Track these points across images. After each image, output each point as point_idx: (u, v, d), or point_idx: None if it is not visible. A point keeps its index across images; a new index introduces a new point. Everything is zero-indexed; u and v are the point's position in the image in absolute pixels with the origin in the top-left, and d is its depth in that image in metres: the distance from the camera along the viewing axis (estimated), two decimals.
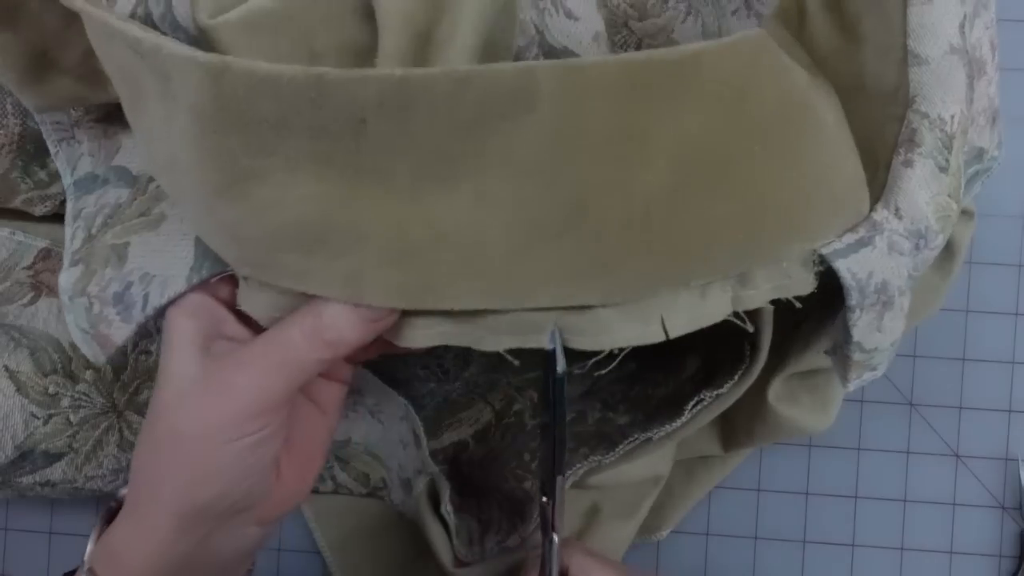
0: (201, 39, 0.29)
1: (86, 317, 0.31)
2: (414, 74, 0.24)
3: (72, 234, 0.33)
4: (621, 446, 0.36)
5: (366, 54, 0.29)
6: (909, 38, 0.28)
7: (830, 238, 0.28)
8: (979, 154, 0.33)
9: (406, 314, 0.27)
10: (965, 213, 0.38)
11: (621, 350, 0.27)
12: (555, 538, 0.33)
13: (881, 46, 0.29)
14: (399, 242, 0.26)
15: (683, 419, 0.34)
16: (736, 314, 0.28)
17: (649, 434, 0.35)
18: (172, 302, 0.30)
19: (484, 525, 0.40)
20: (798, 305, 0.29)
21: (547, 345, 0.27)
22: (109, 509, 0.32)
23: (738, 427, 0.41)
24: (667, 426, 0.35)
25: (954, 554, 0.45)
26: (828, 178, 0.28)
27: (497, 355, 0.42)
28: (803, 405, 0.39)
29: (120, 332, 0.31)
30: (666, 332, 0.27)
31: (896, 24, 0.28)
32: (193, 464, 0.29)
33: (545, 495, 0.32)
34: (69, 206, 0.35)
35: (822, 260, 0.28)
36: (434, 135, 0.25)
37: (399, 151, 0.25)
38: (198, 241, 0.30)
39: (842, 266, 0.28)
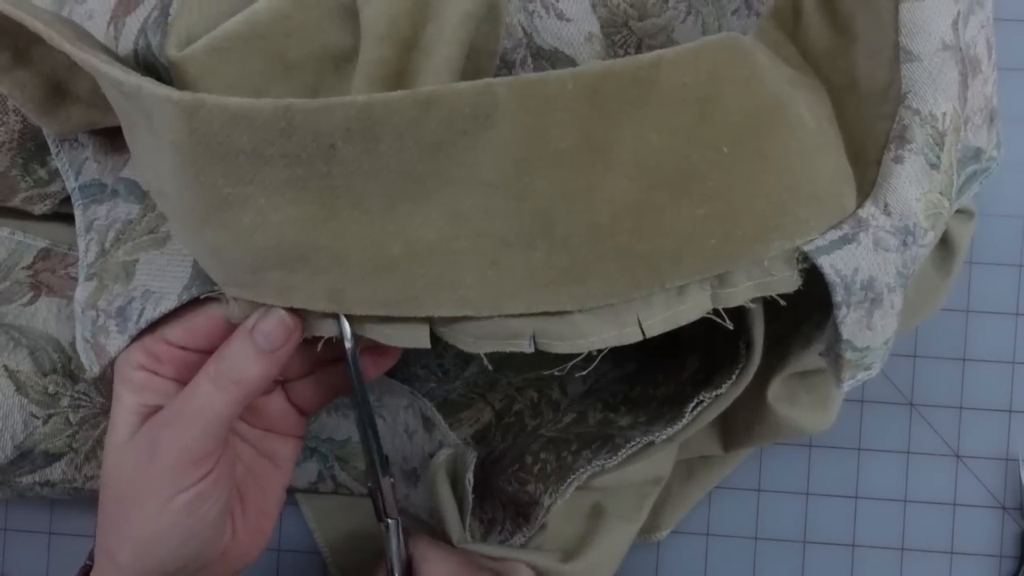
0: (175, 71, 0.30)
1: (91, 328, 0.32)
2: (377, 99, 0.25)
3: (85, 247, 0.34)
4: (623, 450, 0.36)
5: (345, 60, 0.30)
6: (900, 35, 0.28)
7: (812, 236, 0.28)
8: (976, 154, 0.33)
9: (390, 320, 0.28)
10: (965, 213, 0.38)
11: (600, 351, 0.28)
12: (389, 522, 0.33)
13: (873, 44, 0.29)
14: (377, 258, 0.27)
15: (684, 421, 0.34)
16: (718, 313, 0.28)
17: (651, 437, 0.35)
18: (123, 367, 0.31)
19: (487, 525, 0.40)
20: (782, 303, 0.29)
21: (527, 349, 0.27)
22: (84, 566, 0.34)
23: (738, 427, 0.41)
24: (668, 429, 0.35)
25: (954, 554, 0.45)
26: (806, 178, 0.28)
27: (498, 355, 0.42)
28: (802, 405, 0.39)
29: (114, 343, 0.31)
30: (643, 332, 0.28)
31: (887, 21, 0.28)
32: (141, 528, 0.30)
33: (371, 483, 0.33)
34: (78, 214, 0.36)
35: (805, 257, 0.28)
36: (402, 156, 0.26)
37: (369, 173, 0.26)
38: (195, 262, 0.31)
39: (825, 263, 0.28)
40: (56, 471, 0.40)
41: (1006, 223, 0.45)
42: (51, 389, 0.39)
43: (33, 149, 0.37)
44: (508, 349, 0.28)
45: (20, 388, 0.38)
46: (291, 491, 0.45)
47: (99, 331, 0.32)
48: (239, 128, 0.25)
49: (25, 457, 0.39)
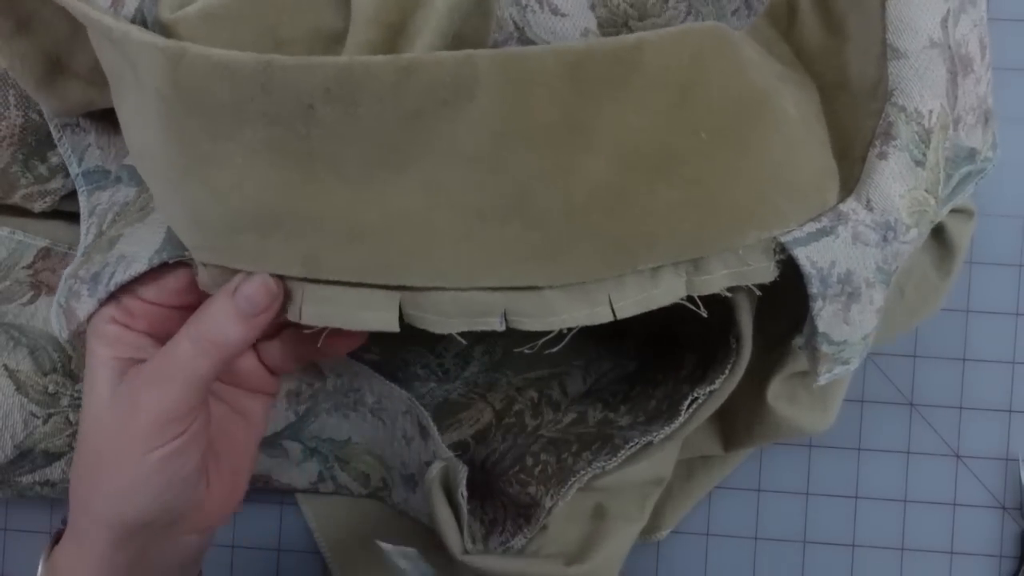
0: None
1: (66, 294, 0.32)
2: (358, 62, 0.25)
3: (87, 230, 0.35)
4: (623, 451, 0.36)
5: (336, 42, 0.30)
6: (887, 32, 0.28)
7: (790, 227, 0.28)
8: (970, 154, 0.33)
9: (358, 292, 0.28)
10: (965, 212, 0.38)
11: (570, 330, 0.28)
12: None
13: (863, 42, 0.29)
14: (352, 225, 0.27)
15: (680, 420, 0.34)
16: (694, 302, 0.28)
17: (649, 437, 0.35)
18: (96, 323, 0.31)
19: (488, 526, 0.40)
20: (758, 293, 0.29)
21: (498, 327, 0.27)
22: (58, 531, 0.34)
23: (738, 427, 0.41)
24: (666, 428, 0.35)
25: (954, 554, 0.45)
26: (788, 170, 0.28)
27: (498, 353, 0.42)
28: (802, 404, 0.39)
29: (84, 306, 0.31)
30: (614, 313, 0.28)
31: (875, 18, 0.28)
32: (117, 480, 0.30)
33: None
34: (82, 200, 0.36)
35: (782, 248, 0.28)
36: (380, 122, 0.25)
37: (348, 138, 0.26)
38: (169, 229, 0.31)
39: (801, 254, 0.28)
40: (56, 471, 0.40)
41: (1006, 223, 0.45)
42: (51, 388, 0.39)
43: (34, 144, 0.37)
44: (479, 328, 0.27)
45: (20, 387, 0.38)
46: (291, 491, 0.45)
47: (72, 296, 0.32)
48: (220, 80, 0.25)
49: (25, 456, 0.39)
